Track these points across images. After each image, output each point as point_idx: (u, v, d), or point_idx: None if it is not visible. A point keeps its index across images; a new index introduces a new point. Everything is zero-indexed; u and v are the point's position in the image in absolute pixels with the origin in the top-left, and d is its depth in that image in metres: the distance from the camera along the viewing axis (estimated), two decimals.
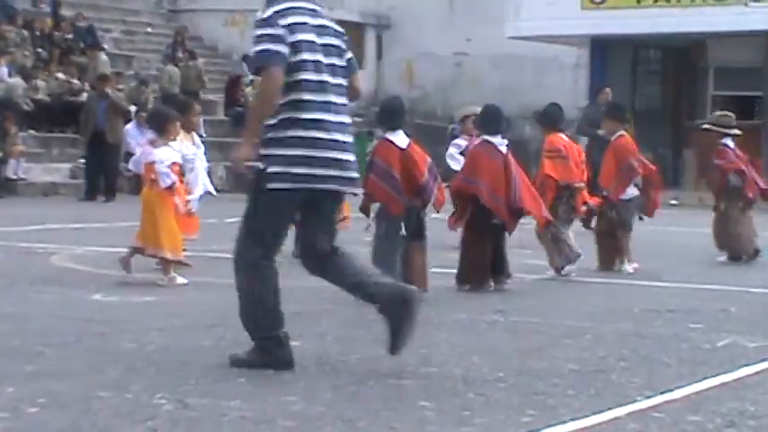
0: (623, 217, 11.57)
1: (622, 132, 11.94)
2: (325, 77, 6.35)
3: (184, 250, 10.56)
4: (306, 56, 6.28)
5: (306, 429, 5.12)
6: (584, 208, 11.42)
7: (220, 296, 9.47)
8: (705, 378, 6.38)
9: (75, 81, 24.56)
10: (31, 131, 23.57)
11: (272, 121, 6.30)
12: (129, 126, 22.83)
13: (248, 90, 27.76)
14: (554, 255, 11.04)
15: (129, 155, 23.15)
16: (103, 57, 25.90)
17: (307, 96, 6.28)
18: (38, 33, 26.31)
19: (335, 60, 6.47)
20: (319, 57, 6.35)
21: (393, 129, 9.52)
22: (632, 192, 11.67)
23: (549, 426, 5.26)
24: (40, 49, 25.67)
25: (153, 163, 9.97)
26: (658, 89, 28.85)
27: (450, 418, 5.38)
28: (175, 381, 6.03)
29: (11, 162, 21.89)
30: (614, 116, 12.17)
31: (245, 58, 29.84)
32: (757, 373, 6.64)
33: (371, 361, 6.70)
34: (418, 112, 30.27)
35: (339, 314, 8.52)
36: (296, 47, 6.27)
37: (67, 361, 6.58)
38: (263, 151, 6.30)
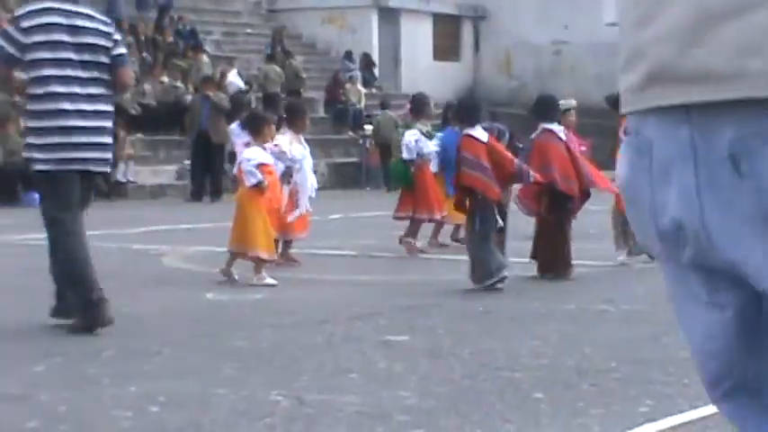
0: None
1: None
2: (69, 72, 7.18)
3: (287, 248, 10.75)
4: (45, 54, 7.16)
5: (421, 424, 5.14)
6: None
7: (328, 292, 9.56)
8: None
9: (180, 84, 24.93)
10: (139, 135, 23.98)
11: (29, 111, 7.39)
12: (234, 126, 23.11)
13: (354, 87, 27.95)
14: (619, 241, 11.11)
15: (234, 155, 23.67)
16: (205, 59, 26.25)
17: (50, 89, 7.16)
18: (142, 38, 26.75)
19: (91, 57, 7.26)
20: (63, 54, 7.19)
21: (473, 124, 9.61)
22: None
23: (668, 415, 5.21)
24: (144, 54, 26.10)
25: (242, 163, 10.17)
26: None
27: (564, 410, 5.36)
28: (290, 377, 6.10)
29: (120, 166, 22.30)
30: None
31: (347, 55, 30.04)
32: None
33: (483, 354, 6.70)
34: (517, 103, 30.12)
35: (449, 307, 8.54)
36: (32, 47, 7.16)
37: (184, 360, 6.70)
38: (28, 140, 7.38)
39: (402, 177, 12.54)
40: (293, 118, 11.43)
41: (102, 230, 13.95)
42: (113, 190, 22.05)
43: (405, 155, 12.30)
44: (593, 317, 8.08)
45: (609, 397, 5.60)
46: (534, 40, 33.16)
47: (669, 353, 6.64)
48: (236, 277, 9.99)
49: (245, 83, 25.70)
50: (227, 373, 6.26)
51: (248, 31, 31.77)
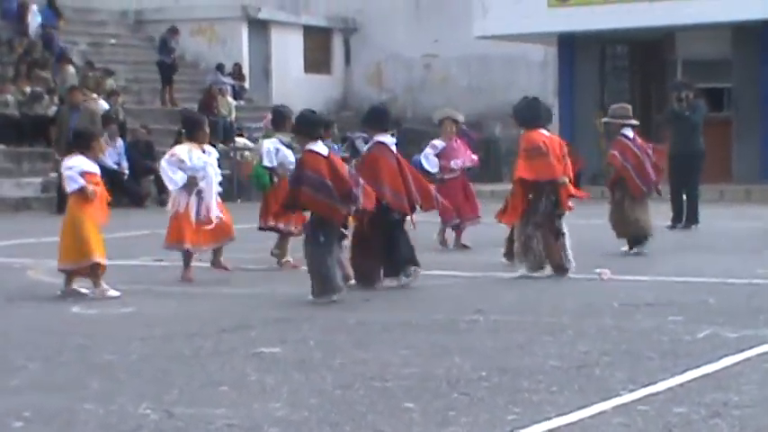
0: None
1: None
2: None
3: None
4: None
5: None
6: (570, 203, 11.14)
7: (198, 305, 9.47)
8: (688, 370, 6.41)
9: (45, 95, 24.44)
10: (1, 147, 23.45)
11: None
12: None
13: (224, 100, 27.75)
14: (521, 257, 10.95)
15: (101, 168, 23.27)
16: (71, 69, 25.81)
17: None
18: (3, 48, 26.19)
19: None
20: None
21: (315, 139, 9.55)
22: None
23: (535, 423, 5.27)
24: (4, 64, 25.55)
25: (63, 171, 10.04)
26: (627, 84, 28.94)
27: (435, 419, 5.39)
28: (159, 390, 6.02)
29: None
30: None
31: (218, 67, 29.84)
32: (739, 363, 6.68)
33: (354, 365, 6.71)
34: None
35: (320, 320, 8.52)
36: None
37: (50, 374, 6.56)
38: None
39: (263, 182, 12.36)
40: (191, 130, 11.30)
41: None
42: None
43: (265, 162, 12.14)
44: (463, 326, 8.14)
45: (478, 405, 5.65)
46: (405, 54, 33.39)
47: (537, 361, 6.73)
48: (85, 290, 9.86)
49: (110, 92, 25.30)
50: (94, 387, 6.15)
51: (112, 41, 31.30)
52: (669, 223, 16.39)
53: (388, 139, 10.39)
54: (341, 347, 7.30)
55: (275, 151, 12.10)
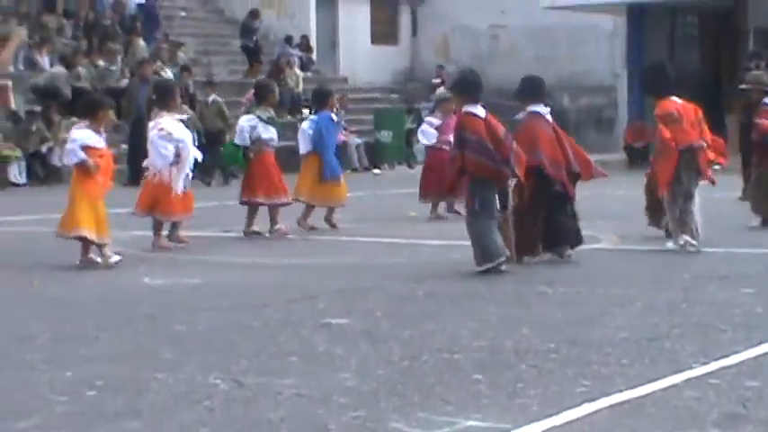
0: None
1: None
2: None
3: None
4: None
5: (361, 405, 5.13)
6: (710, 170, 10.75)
7: (264, 276, 9.51)
8: (761, 343, 6.32)
9: (114, 68, 24.66)
10: (74, 119, 23.65)
11: None
12: None
13: (292, 72, 27.78)
14: (676, 229, 10.57)
15: None
16: (141, 43, 25.97)
17: None
18: (82, 22, 26.51)
19: None
20: None
21: (475, 101, 9.42)
22: None
23: (605, 395, 5.23)
24: (76, 39, 25.80)
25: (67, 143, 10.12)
26: (697, 54, 28.55)
27: (503, 391, 5.37)
28: (228, 361, 6.06)
29: (56, 150, 22.01)
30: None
31: (286, 39, 29.91)
32: None
33: (423, 336, 6.70)
34: None
35: (387, 290, 8.52)
36: None
37: (121, 344, 6.63)
38: None
39: (233, 159, 12.54)
40: (163, 98, 11.33)
41: (40, 215, 13.80)
42: (50, 174, 21.81)
43: (237, 140, 12.27)
44: (532, 299, 8.10)
45: (547, 377, 5.62)
46: (472, 24, 33.20)
47: (607, 334, 6.68)
48: (98, 260, 10.00)
49: (184, 68, 25.45)
50: (165, 356, 6.21)
51: (182, 14, 31.45)
52: (740, 195, 16.12)
53: (543, 109, 10.16)
54: (408, 318, 7.29)
55: (250, 129, 12.14)
